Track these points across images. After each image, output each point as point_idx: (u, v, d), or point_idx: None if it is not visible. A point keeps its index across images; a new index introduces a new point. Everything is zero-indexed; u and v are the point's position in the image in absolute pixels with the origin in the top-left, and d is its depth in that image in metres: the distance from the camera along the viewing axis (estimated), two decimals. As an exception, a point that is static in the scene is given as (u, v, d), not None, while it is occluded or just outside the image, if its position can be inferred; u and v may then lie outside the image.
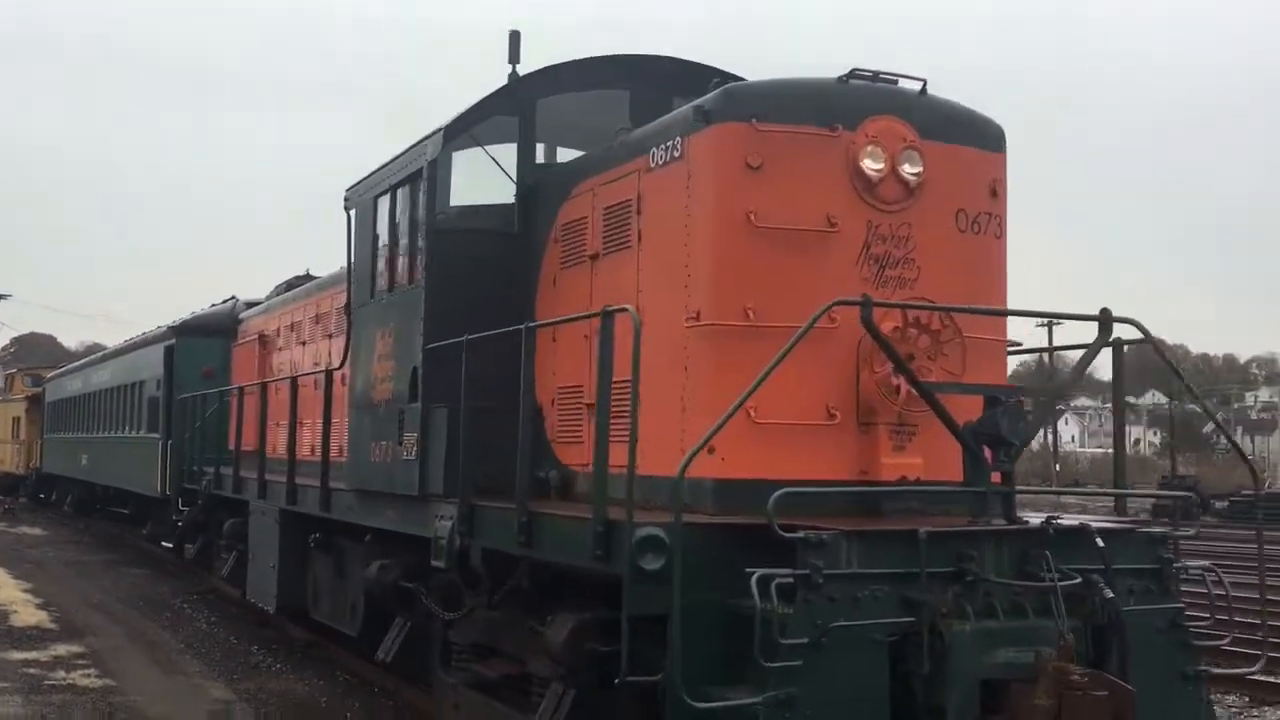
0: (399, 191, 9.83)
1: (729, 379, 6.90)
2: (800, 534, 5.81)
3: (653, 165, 7.62)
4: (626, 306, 6.43)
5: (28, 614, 16.89)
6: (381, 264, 10.22)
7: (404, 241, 9.76)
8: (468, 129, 9.16)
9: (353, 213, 10.85)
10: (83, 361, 33.30)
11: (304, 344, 15.52)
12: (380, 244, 10.27)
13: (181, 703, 11.80)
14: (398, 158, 9.80)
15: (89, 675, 12.71)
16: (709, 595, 6.19)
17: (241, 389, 15.78)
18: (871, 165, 7.06)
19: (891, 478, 6.88)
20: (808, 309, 6.92)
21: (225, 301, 22.56)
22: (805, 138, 7.00)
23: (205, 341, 21.72)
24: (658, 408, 6.98)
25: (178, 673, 13.15)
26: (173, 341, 22.16)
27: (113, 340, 39.82)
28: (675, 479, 5.90)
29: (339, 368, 11.75)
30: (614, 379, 7.85)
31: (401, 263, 9.79)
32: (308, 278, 17.89)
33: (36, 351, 63.98)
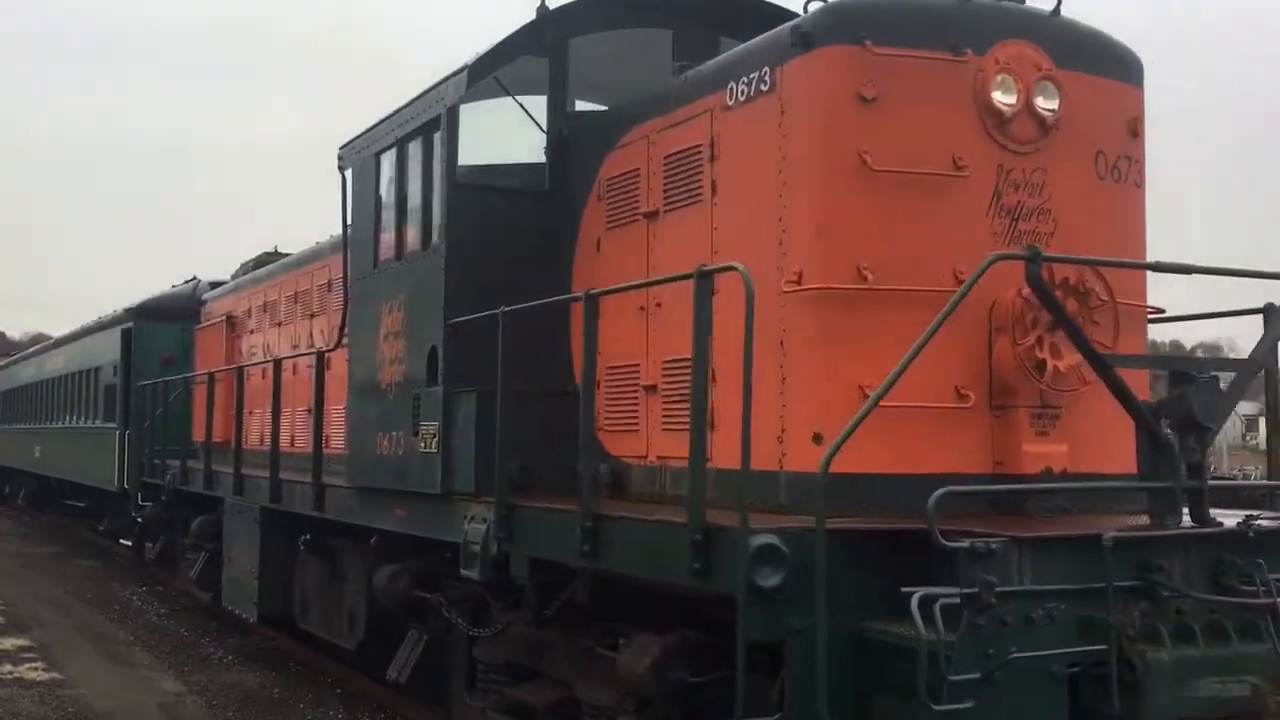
0: (409, 145, 8.58)
1: (840, 354, 5.77)
2: (965, 542, 4.67)
3: (731, 102, 6.44)
4: (735, 265, 5.25)
5: (-28, 608, 16.62)
6: (387, 229, 8.97)
7: (415, 202, 8.52)
8: (494, 69, 7.93)
9: (349, 173, 9.58)
10: (36, 348, 31.61)
11: (279, 325, 14.21)
12: (385, 206, 9.02)
13: (130, 695, 11.48)
14: (407, 106, 8.54)
15: (36, 669, 12.43)
16: (832, 618, 5.05)
17: (211, 375, 14.44)
18: (1003, 98, 5.92)
19: (1034, 469, 5.76)
20: (932, 268, 5.85)
21: (186, 283, 21.16)
22: (928, 64, 5.84)
23: (165, 325, 20.35)
24: (740, 390, 5.81)
25: (127, 665, 12.92)
26: (130, 325, 20.72)
27: (60, 331, 38.16)
28: (819, 474, 4.76)
29: (332, 349, 10.48)
30: (681, 356, 6.74)
31: (412, 227, 8.54)
32: (277, 255, 16.57)
33: (-21, 343, 61.83)
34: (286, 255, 16.13)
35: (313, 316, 13.09)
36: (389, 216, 8.97)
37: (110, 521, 22.92)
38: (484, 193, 8.05)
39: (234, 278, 17.69)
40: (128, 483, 20.07)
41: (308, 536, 10.69)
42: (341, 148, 9.81)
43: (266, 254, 16.89)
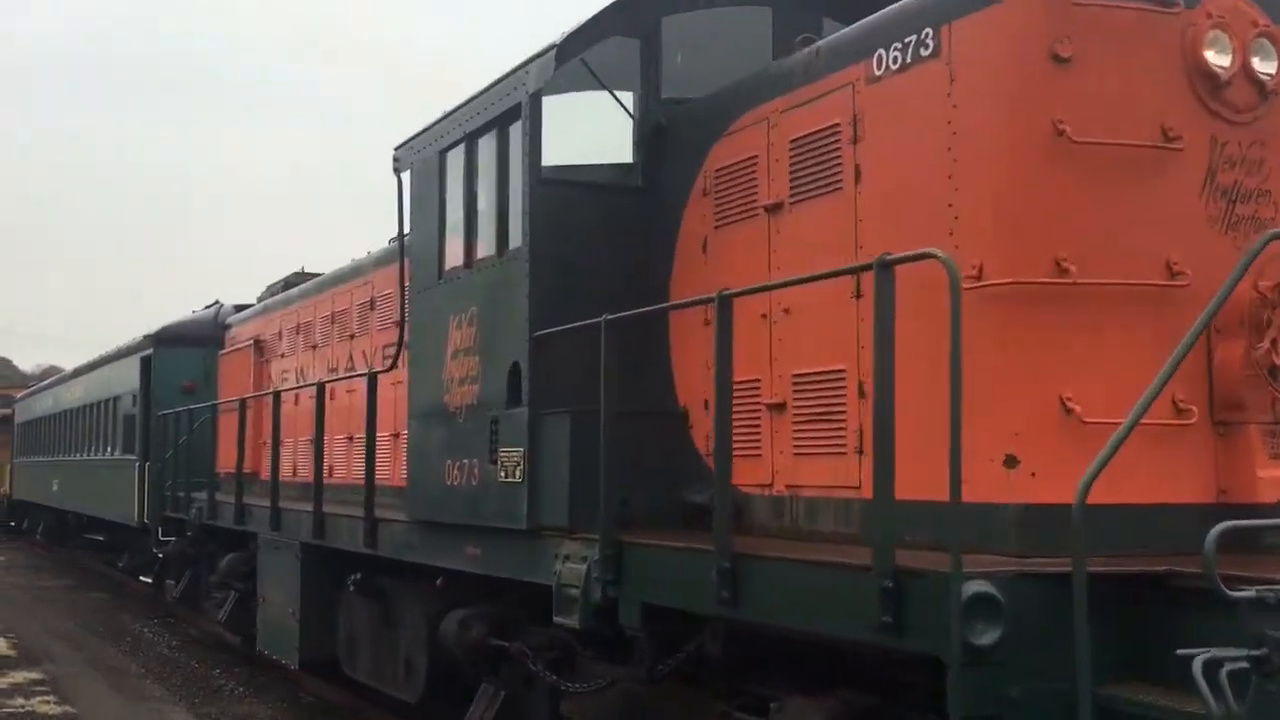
0: (480, 140, 7.69)
1: (1035, 361, 4.85)
2: (1250, 591, 3.73)
3: (879, 72, 5.54)
4: (933, 251, 4.33)
5: (-15, 641, 16.63)
6: (454, 235, 8.08)
7: (489, 204, 7.63)
8: (584, 49, 7.05)
9: (406, 175, 8.69)
10: (54, 379, 30.72)
11: (314, 348, 13.31)
12: (451, 210, 8.13)
13: None
14: (479, 96, 7.66)
15: (48, 702, 12.41)
16: (1057, 684, 4.11)
17: (243, 402, 13.52)
18: (1216, 58, 5.02)
19: (1271, 498, 4.83)
20: (1140, 258, 4.94)
21: (208, 307, 20.29)
22: (1131, 17, 4.95)
23: (186, 352, 19.51)
24: (907, 406, 4.86)
25: (138, 698, 12.85)
26: (150, 352, 19.86)
27: (71, 363, 37.45)
28: (1075, 505, 3.82)
29: (386, 369, 9.57)
30: (817, 369, 5.83)
31: (486, 231, 7.65)
32: (305, 276, 15.70)
33: (-11, 376, 61.02)
34: (317, 275, 15.28)
35: (353, 338, 12.19)
36: (457, 221, 8.07)
37: (129, 558, 21.98)
38: (570, 189, 7.14)
39: (260, 300, 16.82)
40: (148, 517, 19.20)
41: (358, 576, 9.75)
42: (397, 148, 8.93)
43: (295, 274, 16.01)
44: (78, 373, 26.88)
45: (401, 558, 8.80)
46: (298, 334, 13.96)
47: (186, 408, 16.30)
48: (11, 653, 15.59)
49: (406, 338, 8.87)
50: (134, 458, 20.20)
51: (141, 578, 20.34)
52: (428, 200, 8.37)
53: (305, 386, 12.07)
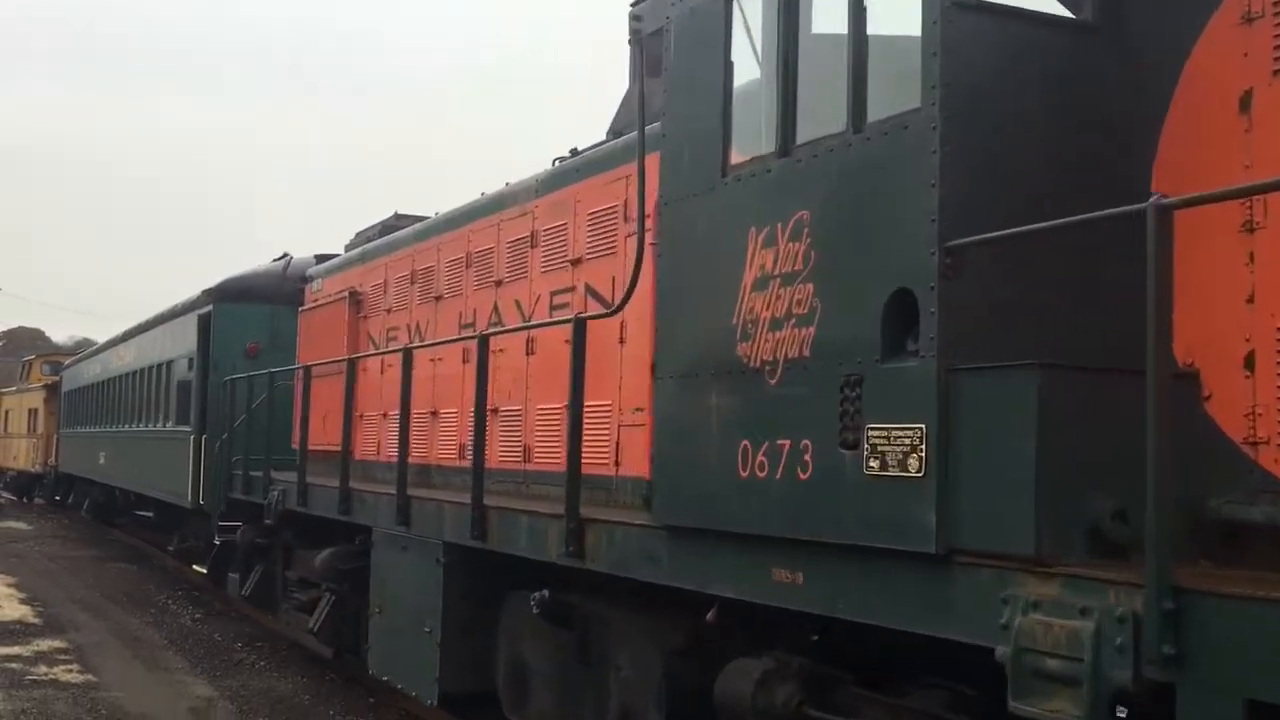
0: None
1: None
2: None
3: None
4: None
5: (11, 609, 16.42)
6: (751, 113, 5.53)
7: (828, 55, 5.07)
8: None
9: (670, 37, 6.12)
10: (105, 342, 28.23)
11: (439, 299, 10.78)
12: (743, 73, 5.58)
13: (163, 699, 11.50)
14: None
15: (71, 670, 12.48)
16: None
17: (352, 363, 10.98)
18: None
19: None
20: None
21: (277, 259, 17.81)
22: None
23: (251, 309, 17.06)
24: None
25: (160, 669, 12.88)
26: (209, 309, 17.36)
27: (103, 335, 35.27)
28: None
29: (612, 313, 7.05)
30: None
31: (824, 97, 5.09)
32: (406, 219, 13.20)
33: (24, 346, 58.67)
34: (420, 218, 12.78)
35: (499, 284, 9.66)
36: (753, 91, 5.53)
37: (179, 540, 19.53)
38: (991, 23, 4.58)
39: (350, 248, 14.31)
40: (203, 498, 16.75)
41: (544, 594, 7.22)
42: (637, 4, 6.39)
43: (394, 218, 13.50)
44: (128, 335, 24.41)
45: (632, 576, 6.28)
46: (412, 283, 11.44)
47: (264, 371, 13.82)
48: (37, 621, 15.60)
49: (643, 269, 6.32)
50: (189, 429, 17.73)
51: (195, 567, 17.84)
52: (700, 66, 5.81)
53: (460, 340, 9.47)
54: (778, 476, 5.09)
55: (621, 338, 7.82)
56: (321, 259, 15.08)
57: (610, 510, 6.94)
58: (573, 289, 8.55)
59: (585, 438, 7.43)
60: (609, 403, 7.65)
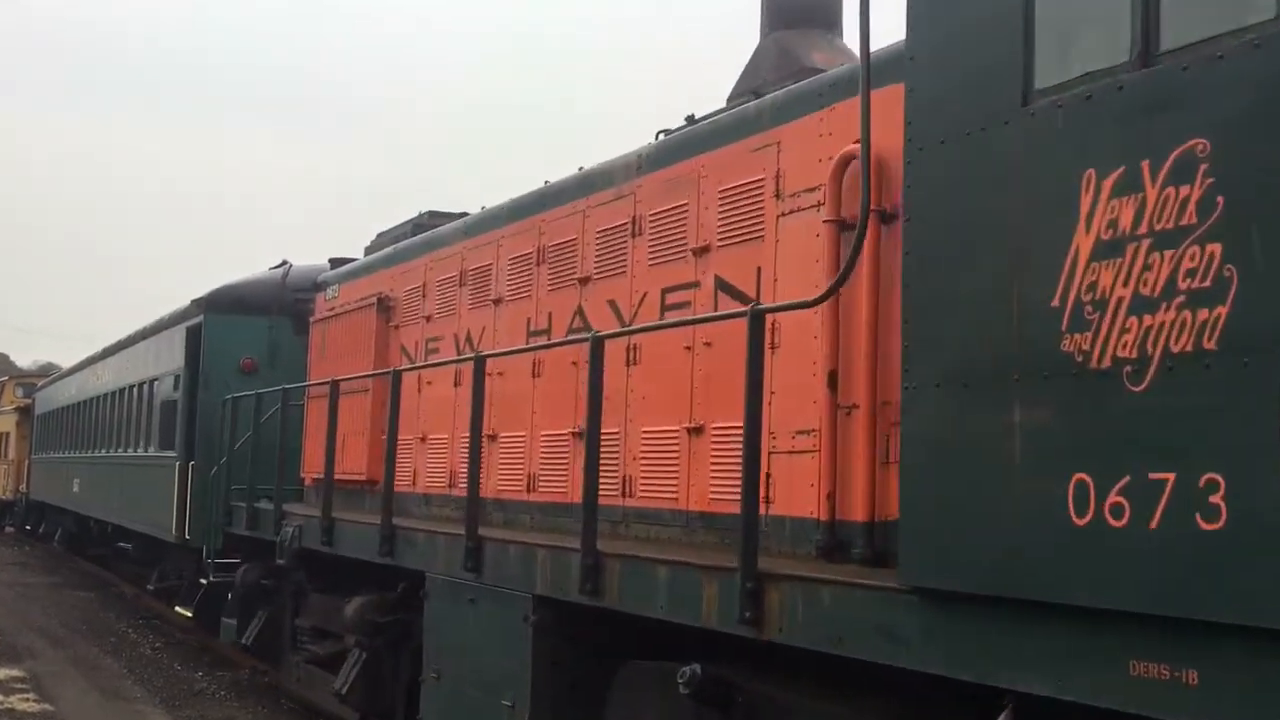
0: None
1: None
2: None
3: None
4: None
5: (-34, 638, 16.26)
6: (1071, 10, 3.97)
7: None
8: None
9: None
10: (81, 361, 26.22)
11: (499, 303, 9.14)
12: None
13: None
14: None
15: (28, 700, 12.32)
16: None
17: (397, 375, 9.28)
18: None
19: None
20: None
21: (275, 267, 16.10)
22: None
23: (247, 322, 15.36)
24: None
25: (118, 698, 12.75)
26: (199, 320, 15.61)
27: (70, 360, 33.33)
28: None
29: (821, 300, 5.40)
30: None
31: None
32: (442, 216, 11.59)
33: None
34: (459, 214, 11.18)
35: (585, 282, 8.04)
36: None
37: (160, 578, 17.67)
38: None
39: (369, 251, 12.65)
40: (190, 532, 14.96)
41: (695, 669, 5.55)
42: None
43: (427, 215, 11.86)
44: (107, 353, 22.49)
45: (852, 655, 4.63)
46: (461, 285, 9.79)
47: (274, 388, 12.12)
48: (-7, 649, 15.37)
49: (855, 242, 4.72)
50: (174, 455, 15.94)
51: (179, 609, 16.00)
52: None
53: (570, 342, 7.75)
54: (1151, 525, 3.49)
55: (773, 342, 6.24)
56: (337, 263, 13.40)
57: (801, 564, 5.31)
58: (696, 284, 6.94)
59: (714, 468, 5.88)
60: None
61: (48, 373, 37.89)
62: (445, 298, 10.08)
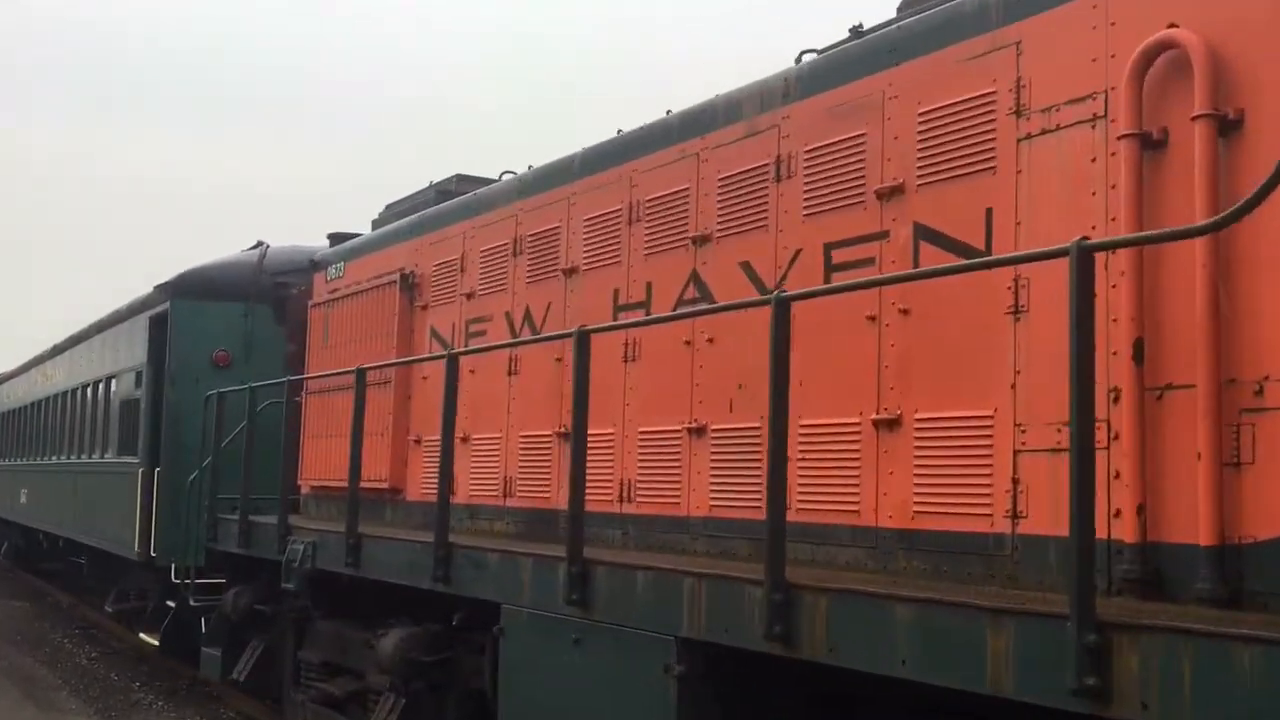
0: None
1: None
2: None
3: None
4: None
5: (-106, 651, 15.72)
6: None
7: None
8: None
9: None
10: (28, 360, 23.98)
11: (574, 272, 7.53)
12: None
13: None
14: None
15: None
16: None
17: (453, 359, 7.55)
18: None
19: None
20: None
21: (250, 249, 14.32)
22: None
23: (218, 309, 13.59)
24: None
25: (53, 710, 12.47)
26: (165, 307, 13.78)
27: (6, 365, 31.10)
28: None
29: (1210, 228, 3.84)
30: None
31: None
32: (472, 181, 9.96)
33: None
34: (486, 179, 9.58)
35: (702, 242, 6.44)
36: None
37: (117, 597, 15.76)
38: None
39: (380, 224, 10.95)
40: (156, 548, 13.17)
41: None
42: None
43: (454, 179, 10.20)
44: (58, 350, 20.41)
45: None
46: (516, 254, 8.16)
47: (274, 381, 10.39)
48: (-77, 662, 14.76)
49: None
50: (135, 461, 14.08)
51: (144, 635, 14.10)
52: None
53: (683, 316, 5.99)
54: None
55: (1016, 306, 4.72)
56: (338, 239, 11.67)
57: (1162, 610, 3.77)
58: (883, 235, 5.39)
59: (920, 468, 4.37)
60: (986, 413, 4.58)
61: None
62: (493, 270, 8.44)
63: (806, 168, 5.85)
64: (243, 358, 13.28)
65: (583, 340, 6.03)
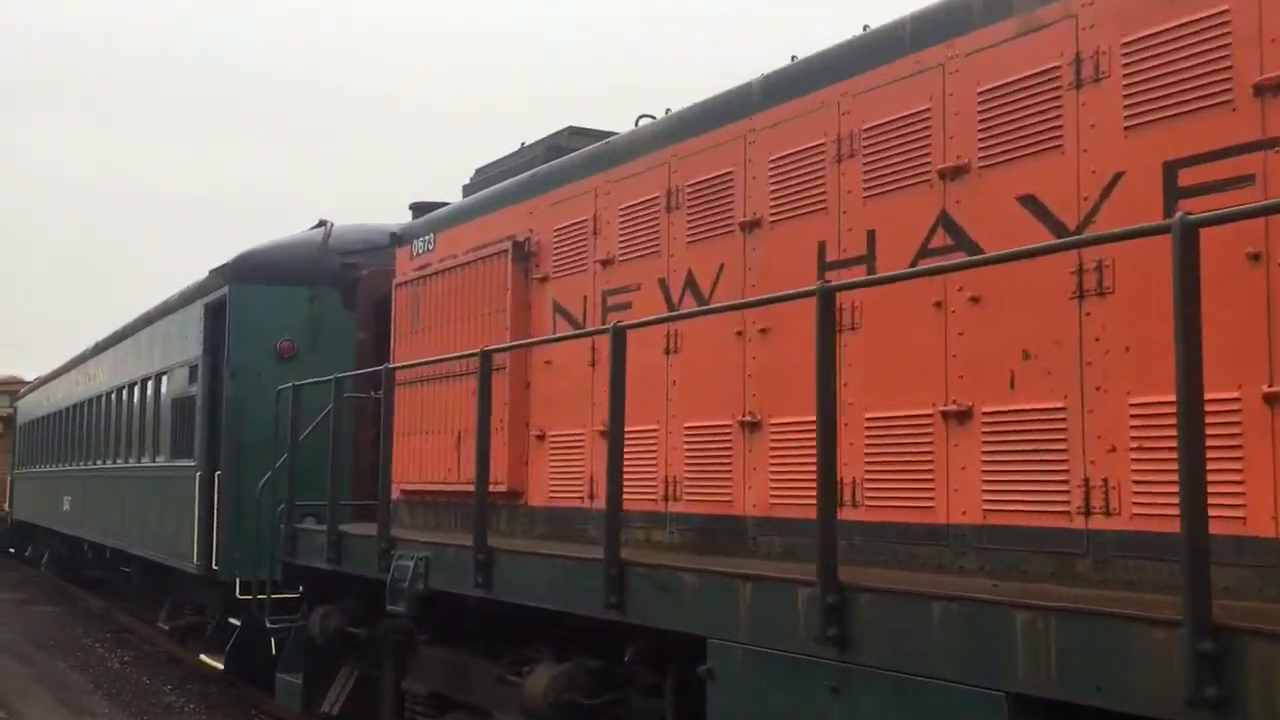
0: None
1: None
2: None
3: None
4: None
5: (-70, 656, 15.70)
6: None
7: None
8: None
9: None
10: (69, 360, 22.66)
11: (756, 226, 6.13)
12: None
13: None
14: None
15: None
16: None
17: (619, 330, 6.13)
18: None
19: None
20: None
21: (313, 228, 13.00)
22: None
23: (282, 294, 12.29)
24: None
25: (86, 714, 12.27)
26: (223, 293, 12.45)
27: (33, 373, 30.00)
28: None
29: None
30: None
31: None
32: (588, 135, 8.61)
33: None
34: (595, 131, 8.28)
35: (957, 173, 5.06)
36: None
37: (171, 614, 14.48)
38: None
39: (473, 190, 9.59)
40: (218, 560, 11.88)
41: None
42: None
43: (566, 132, 8.83)
44: (101, 348, 19.10)
45: None
46: (671, 209, 6.78)
47: (374, 369, 9.09)
48: (-42, 667, 14.85)
49: None
50: (191, 464, 12.77)
51: (205, 658, 12.76)
52: None
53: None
54: None
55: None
56: (421, 209, 10.31)
57: None
58: (1274, 144, 4.00)
59: None
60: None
61: (11, 385, 34.12)
62: (639, 230, 7.07)
63: (1127, 64, 4.46)
64: (309, 347, 11.97)
65: (826, 297, 4.63)
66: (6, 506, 28.94)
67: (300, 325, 12.07)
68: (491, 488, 8.06)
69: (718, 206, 6.45)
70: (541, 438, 7.84)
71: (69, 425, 20.95)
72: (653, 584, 5.59)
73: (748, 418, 6.08)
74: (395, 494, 9.73)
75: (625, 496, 6.73)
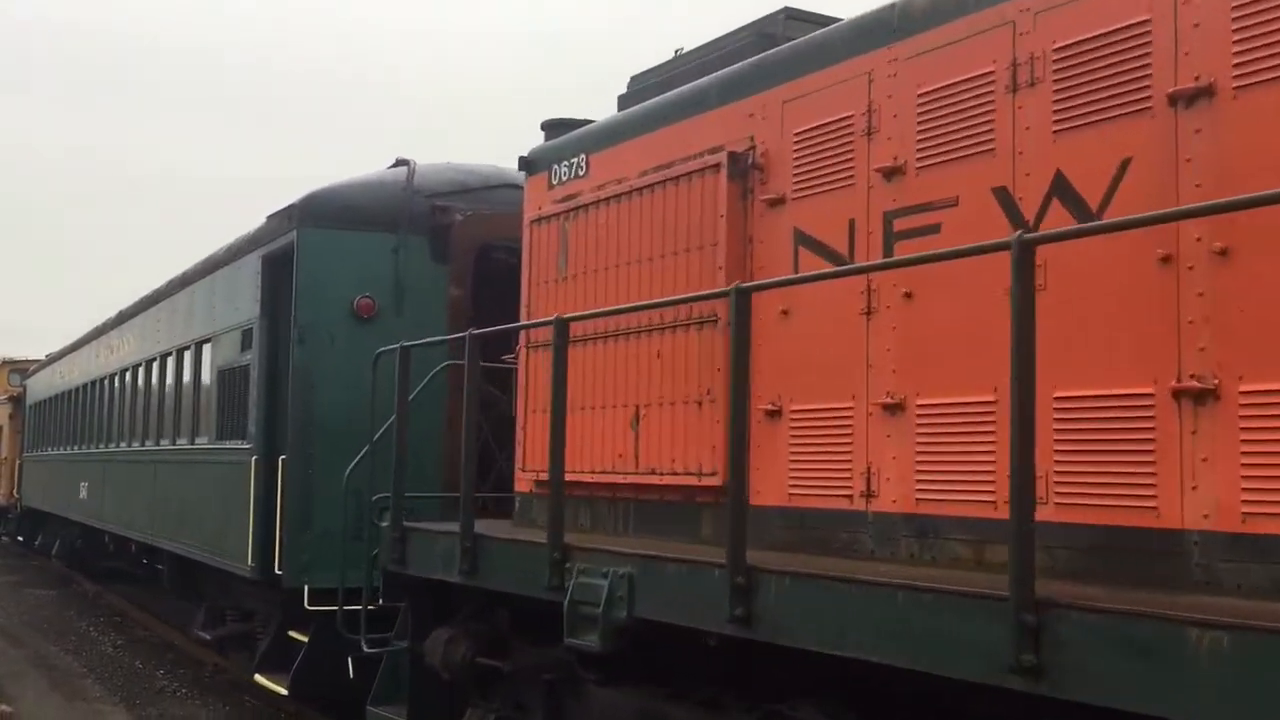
0: None
1: None
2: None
3: None
4: None
5: (-76, 638, 15.73)
6: None
7: None
8: None
9: None
10: (87, 333, 20.43)
11: (1194, 100, 4.09)
12: None
13: None
14: None
15: None
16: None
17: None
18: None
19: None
20: None
21: (392, 167, 10.94)
22: None
23: (358, 241, 10.26)
24: None
25: (79, 698, 12.30)
26: (290, 239, 10.34)
27: (34, 351, 28.11)
28: None
29: None
30: None
31: None
32: (807, 19, 6.58)
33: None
34: (830, 19, 6.23)
35: None
36: None
37: (209, 621, 12.42)
38: None
39: (629, 101, 7.52)
40: (282, 564, 9.86)
41: None
42: None
43: (792, 14, 6.75)
44: (125, 316, 16.93)
45: None
46: (1015, 89, 4.73)
47: (546, 320, 7.06)
48: (-49, 651, 14.91)
49: None
50: (246, 446, 10.69)
51: (260, 677, 10.64)
52: None
53: None
54: None
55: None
56: (556, 129, 8.20)
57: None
58: None
59: None
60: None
61: (9, 366, 31.89)
62: (954, 120, 5.01)
63: None
64: (392, 306, 9.93)
65: None
66: (16, 494, 26.89)
67: (382, 279, 10.01)
68: (688, 480, 6.10)
69: (1120, 73, 4.40)
70: (775, 413, 5.79)
71: (87, 403, 18.84)
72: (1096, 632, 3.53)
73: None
74: (525, 485, 7.73)
75: (797, 490, 4.73)
